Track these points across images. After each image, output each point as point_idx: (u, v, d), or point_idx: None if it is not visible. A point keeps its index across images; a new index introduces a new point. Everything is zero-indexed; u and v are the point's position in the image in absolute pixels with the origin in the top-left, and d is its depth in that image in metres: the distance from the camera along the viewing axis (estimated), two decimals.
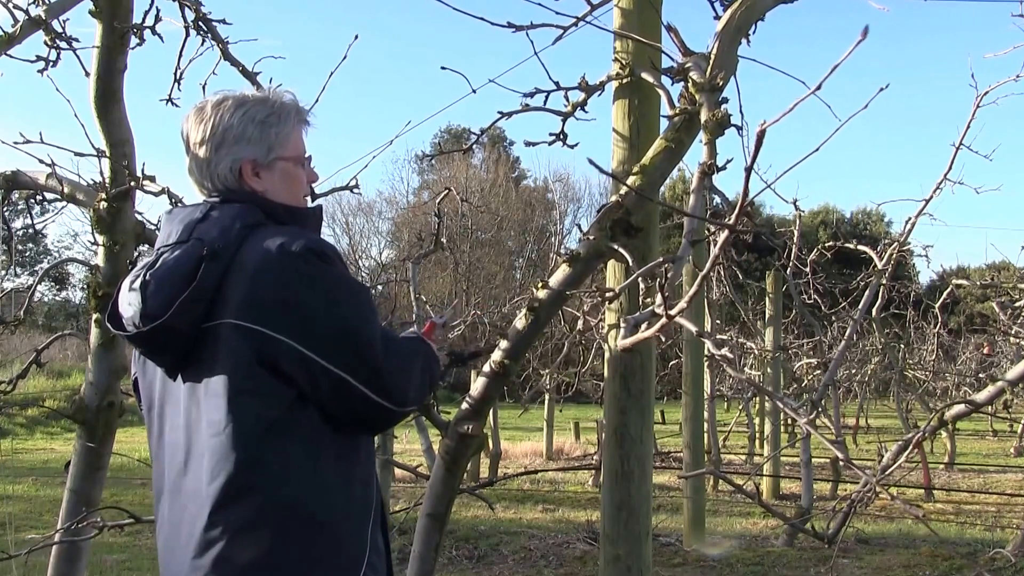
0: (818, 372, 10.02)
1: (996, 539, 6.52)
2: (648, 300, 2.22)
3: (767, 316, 8.43)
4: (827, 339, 10.00)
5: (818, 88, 1.11)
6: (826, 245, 7.17)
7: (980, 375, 12.26)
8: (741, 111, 2.00)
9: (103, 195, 2.65)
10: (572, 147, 2.35)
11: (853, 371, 12.69)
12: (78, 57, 2.57)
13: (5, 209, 3.04)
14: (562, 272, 1.96)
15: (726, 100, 1.89)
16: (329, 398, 1.46)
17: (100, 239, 2.71)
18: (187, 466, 1.47)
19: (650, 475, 2.28)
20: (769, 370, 8.66)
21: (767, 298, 8.42)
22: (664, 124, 2.05)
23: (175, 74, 2.84)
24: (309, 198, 1.75)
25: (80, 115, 2.60)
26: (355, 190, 3.18)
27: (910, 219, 6.12)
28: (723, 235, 1.37)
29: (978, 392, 4.39)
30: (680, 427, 7.13)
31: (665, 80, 2.08)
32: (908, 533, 6.86)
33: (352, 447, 1.54)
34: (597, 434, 10.58)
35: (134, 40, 2.54)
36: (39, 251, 26.32)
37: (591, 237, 1.94)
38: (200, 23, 2.75)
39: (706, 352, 7.45)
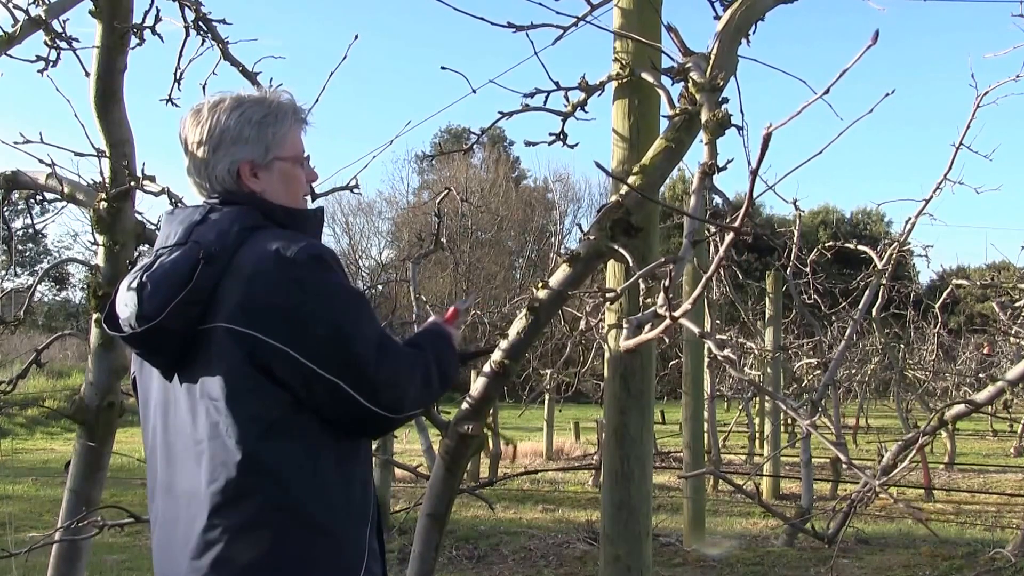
0: (818, 372, 10.02)
1: (996, 539, 6.52)
2: (648, 300, 2.22)
3: (767, 316, 8.43)
4: (827, 339, 10.00)
5: (826, 92, 1.11)
6: (826, 245, 7.17)
7: (980, 375, 12.26)
8: (741, 111, 2.00)
9: (103, 195, 2.65)
10: (572, 147, 2.35)
11: (853, 371, 12.70)
12: (78, 57, 2.57)
13: (5, 209, 3.04)
14: (562, 272, 1.96)
15: (726, 100, 1.89)
16: (323, 403, 1.45)
17: (100, 239, 2.71)
18: (183, 466, 1.47)
19: (650, 475, 2.28)
20: (769, 370, 8.66)
21: (767, 298, 8.42)
22: (664, 124, 2.05)
23: (175, 74, 2.84)
24: (309, 198, 1.74)
25: (80, 115, 2.60)
26: (355, 190, 3.19)
27: (910, 219, 6.12)
28: (727, 237, 1.37)
29: (978, 392, 4.38)
30: (680, 427, 7.13)
31: (665, 80, 2.08)
32: (908, 533, 6.86)
33: (352, 449, 1.54)
34: (597, 434, 10.58)
35: (134, 40, 2.54)
36: (39, 251, 26.33)
37: (591, 237, 1.94)
38: (200, 23, 2.75)
39: (707, 353, 7.46)
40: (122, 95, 2.59)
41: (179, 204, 2.62)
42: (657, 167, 1.97)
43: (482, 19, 2.19)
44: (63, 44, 2.56)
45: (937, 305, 8.19)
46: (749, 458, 11.15)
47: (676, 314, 1.37)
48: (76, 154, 2.76)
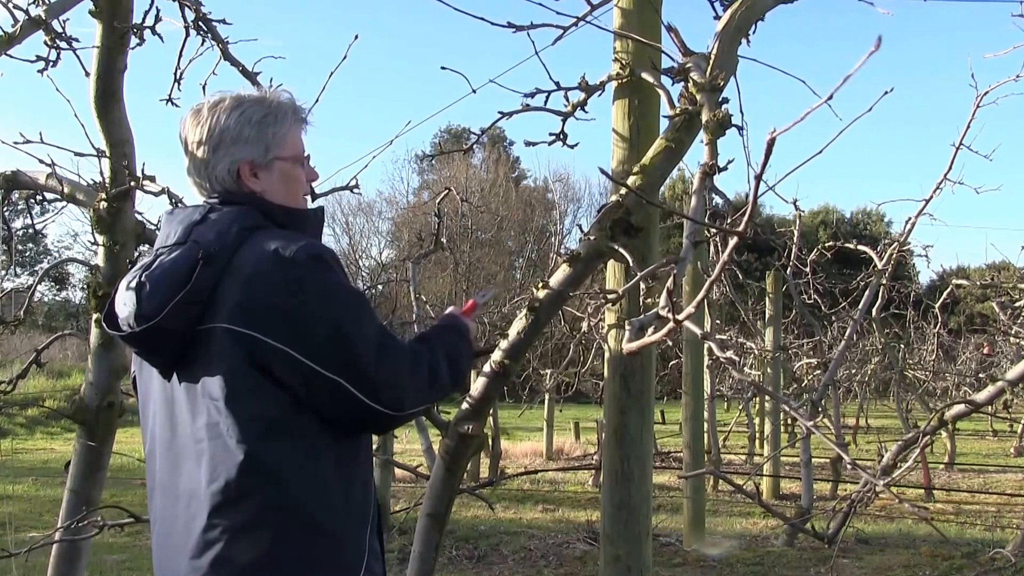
0: (818, 372, 10.02)
1: (996, 539, 6.52)
2: (649, 301, 2.22)
3: (767, 316, 8.43)
4: (827, 339, 10.00)
5: (829, 98, 1.11)
6: (826, 245, 7.17)
7: (980, 375, 12.26)
8: (741, 111, 2.00)
9: (103, 195, 2.65)
10: (572, 147, 2.35)
11: (853, 371, 12.69)
12: (78, 57, 2.57)
13: (5, 209, 3.04)
14: (562, 272, 1.96)
15: (727, 100, 1.89)
16: (324, 402, 1.45)
17: (100, 239, 2.71)
18: (183, 466, 1.47)
19: (650, 475, 2.28)
20: (769, 370, 8.66)
21: (767, 298, 8.42)
22: (664, 124, 2.05)
23: (175, 74, 2.84)
24: (309, 197, 1.74)
25: (80, 115, 2.60)
26: (355, 190, 3.19)
27: (910, 219, 6.13)
28: (732, 241, 1.37)
29: (978, 392, 4.38)
30: (680, 427, 7.13)
31: (665, 80, 2.08)
32: (908, 533, 6.86)
33: (352, 449, 1.54)
34: (597, 434, 10.58)
35: (134, 40, 2.54)
36: (39, 251, 26.34)
37: (591, 237, 1.93)
38: (200, 23, 2.75)
39: (708, 353, 7.46)
40: (122, 95, 2.59)
41: (179, 204, 2.62)
42: (657, 167, 1.97)
43: (482, 19, 2.19)
44: (63, 44, 2.56)
45: (937, 305, 8.19)
46: (749, 458, 11.15)
47: (680, 316, 1.37)
48: (76, 154, 2.76)
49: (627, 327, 1.54)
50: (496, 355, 1.96)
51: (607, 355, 2.30)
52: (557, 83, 2.26)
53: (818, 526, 3.64)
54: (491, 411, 7.53)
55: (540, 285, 1.98)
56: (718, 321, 10.18)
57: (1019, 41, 3.86)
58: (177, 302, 1.42)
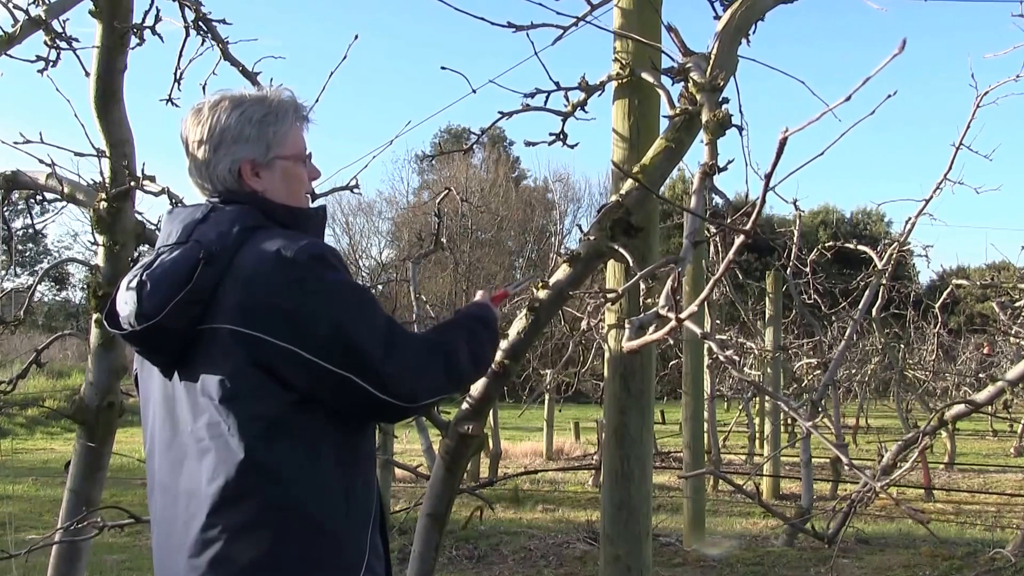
0: (818, 372, 10.02)
1: (996, 539, 6.52)
2: (648, 301, 2.22)
3: (767, 316, 8.43)
4: (827, 339, 10.00)
5: (847, 99, 1.11)
6: (826, 245, 7.17)
7: (980, 375, 12.27)
8: (741, 111, 2.01)
9: (103, 195, 2.65)
10: (572, 147, 2.35)
11: (853, 371, 12.69)
12: (78, 57, 2.57)
13: (5, 209, 3.04)
14: (562, 272, 1.96)
15: (727, 100, 1.90)
16: (334, 397, 1.45)
17: (100, 239, 2.71)
18: (183, 465, 1.47)
19: (650, 475, 2.28)
20: (769, 370, 8.66)
21: (767, 298, 8.42)
22: (664, 124, 2.05)
23: (175, 74, 2.84)
24: (310, 197, 1.74)
25: (80, 115, 2.60)
26: (355, 190, 3.19)
27: (910, 219, 6.13)
28: (737, 241, 1.37)
29: (978, 392, 4.39)
30: (680, 427, 7.13)
31: (665, 80, 2.08)
32: (908, 533, 6.86)
33: (353, 450, 1.53)
34: (597, 434, 10.58)
35: (134, 40, 2.54)
36: (39, 251, 26.34)
37: (591, 237, 1.94)
38: (200, 23, 2.75)
39: (708, 353, 7.45)
40: (122, 95, 2.59)
41: (179, 204, 2.62)
42: (657, 167, 1.97)
43: (482, 19, 2.19)
44: (63, 44, 2.56)
45: (937, 305, 8.19)
46: (749, 458, 11.15)
47: (682, 316, 1.37)
48: (76, 154, 2.76)
49: (627, 326, 1.54)
50: (496, 355, 1.96)
51: (607, 355, 2.30)
52: (557, 83, 2.26)
53: (818, 526, 3.64)
54: (491, 411, 7.52)
55: (540, 285, 1.98)
56: (718, 321, 10.18)
57: (1019, 41, 3.87)
58: (178, 301, 1.41)
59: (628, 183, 1.96)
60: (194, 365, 1.46)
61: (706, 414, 8.22)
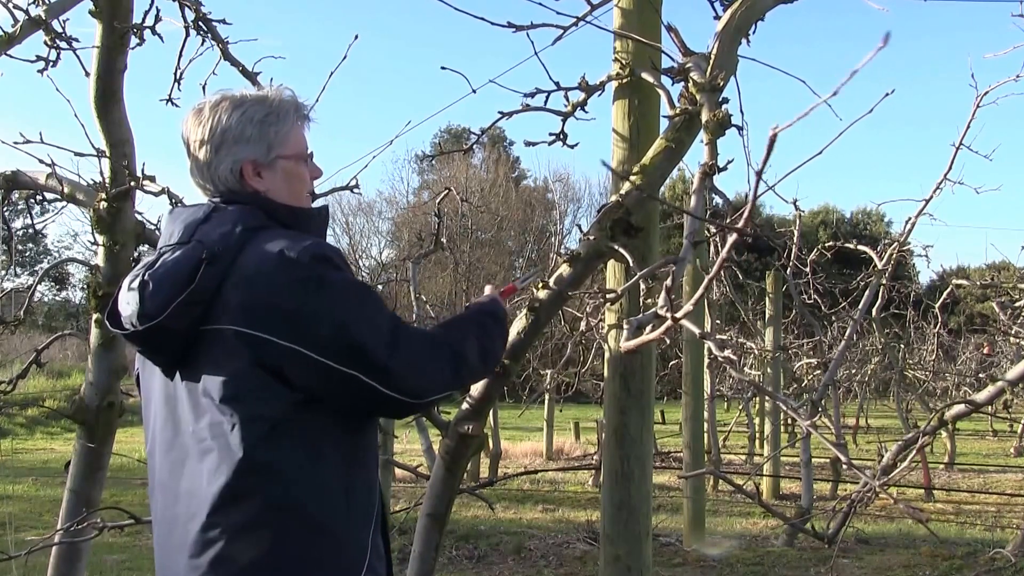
0: (818, 372, 10.02)
1: (996, 539, 6.52)
2: (648, 301, 2.22)
3: (767, 316, 8.43)
4: (827, 339, 10.00)
5: (834, 95, 1.10)
6: (826, 245, 7.17)
7: (980, 375, 12.27)
8: (741, 111, 2.00)
9: (103, 195, 2.65)
10: (572, 147, 2.35)
11: (853, 371, 12.70)
12: (78, 57, 2.57)
13: (5, 209, 3.04)
14: (562, 272, 1.96)
15: (727, 100, 1.89)
16: (341, 395, 1.45)
17: (100, 239, 2.71)
18: (184, 465, 1.47)
19: (650, 475, 2.28)
20: (769, 370, 8.66)
21: (767, 298, 8.42)
22: (664, 124, 2.05)
23: (175, 74, 2.84)
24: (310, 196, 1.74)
25: (80, 115, 2.60)
26: (355, 190, 3.19)
27: (910, 219, 6.13)
28: (731, 238, 1.37)
29: (978, 392, 4.38)
30: (680, 427, 7.13)
31: (665, 80, 2.08)
32: (908, 533, 6.86)
33: (354, 449, 1.53)
34: (597, 434, 10.58)
35: (134, 40, 2.54)
36: (39, 251, 26.35)
37: (591, 237, 1.94)
38: (200, 23, 2.75)
39: (708, 353, 7.45)
40: (122, 95, 2.58)
41: (179, 204, 2.62)
42: (657, 167, 1.97)
43: (482, 19, 2.19)
44: (63, 44, 2.56)
45: (937, 305, 8.19)
46: (749, 458, 11.15)
47: (678, 315, 1.37)
48: (76, 154, 2.76)
49: (625, 326, 1.54)
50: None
51: (607, 355, 2.30)
52: (557, 83, 2.26)
53: (818, 526, 3.64)
54: (491, 411, 7.52)
55: (540, 285, 1.98)
56: (718, 321, 10.17)
57: (1019, 41, 3.87)
58: (180, 302, 1.41)
59: (628, 183, 1.96)
60: (196, 365, 1.46)
61: (706, 414, 8.23)
